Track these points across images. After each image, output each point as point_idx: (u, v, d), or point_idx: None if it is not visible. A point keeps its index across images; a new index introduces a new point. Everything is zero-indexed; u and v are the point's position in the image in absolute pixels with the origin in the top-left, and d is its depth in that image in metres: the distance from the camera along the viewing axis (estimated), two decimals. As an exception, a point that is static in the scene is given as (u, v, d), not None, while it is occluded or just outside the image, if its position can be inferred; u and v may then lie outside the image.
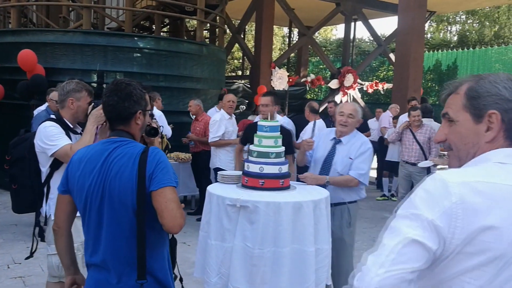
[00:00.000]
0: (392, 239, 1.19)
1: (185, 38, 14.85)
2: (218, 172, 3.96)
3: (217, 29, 13.27)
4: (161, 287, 2.10)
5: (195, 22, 15.26)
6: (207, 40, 15.14)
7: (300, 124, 7.35)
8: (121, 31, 10.65)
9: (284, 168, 3.52)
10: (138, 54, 9.39)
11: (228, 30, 15.88)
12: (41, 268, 4.92)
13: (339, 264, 3.87)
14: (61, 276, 3.22)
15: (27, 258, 3.56)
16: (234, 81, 16.69)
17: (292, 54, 20.88)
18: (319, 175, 3.88)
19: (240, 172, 3.70)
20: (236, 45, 17.86)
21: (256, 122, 5.26)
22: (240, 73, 22.76)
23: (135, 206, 1.99)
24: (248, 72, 17.83)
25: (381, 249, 1.20)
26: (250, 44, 22.84)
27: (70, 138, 3.24)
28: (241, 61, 23.11)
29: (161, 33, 13.28)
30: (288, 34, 22.58)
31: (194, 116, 7.64)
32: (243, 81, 16.28)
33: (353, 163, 3.81)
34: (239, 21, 17.02)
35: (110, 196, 2.03)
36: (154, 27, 13.21)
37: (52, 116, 3.40)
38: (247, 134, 5.35)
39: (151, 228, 2.02)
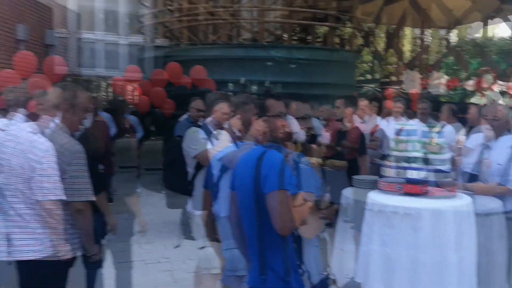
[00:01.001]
0: None
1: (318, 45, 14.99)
2: (352, 176, 3.94)
3: (348, 34, 13.15)
4: (282, 282, 2.16)
5: (326, 28, 15.30)
6: (337, 45, 15.12)
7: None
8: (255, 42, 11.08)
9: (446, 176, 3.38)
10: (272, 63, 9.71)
11: (360, 34, 15.74)
12: (187, 263, 5.20)
13: (489, 282, 3.47)
14: (211, 267, 3.48)
15: (176, 247, 3.88)
16: (363, 85, 16.55)
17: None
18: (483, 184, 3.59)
19: (375, 177, 3.68)
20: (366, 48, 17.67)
21: None
22: (369, 76, 22.30)
23: (253, 206, 2.14)
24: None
25: None
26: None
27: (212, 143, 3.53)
28: (370, 64, 22.61)
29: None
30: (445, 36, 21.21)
31: (325, 122, 7.64)
32: (373, 85, 16.04)
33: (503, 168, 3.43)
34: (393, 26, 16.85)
35: (244, 196, 2.22)
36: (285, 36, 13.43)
37: (199, 123, 3.74)
38: None
39: (269, 228, 2.11)
